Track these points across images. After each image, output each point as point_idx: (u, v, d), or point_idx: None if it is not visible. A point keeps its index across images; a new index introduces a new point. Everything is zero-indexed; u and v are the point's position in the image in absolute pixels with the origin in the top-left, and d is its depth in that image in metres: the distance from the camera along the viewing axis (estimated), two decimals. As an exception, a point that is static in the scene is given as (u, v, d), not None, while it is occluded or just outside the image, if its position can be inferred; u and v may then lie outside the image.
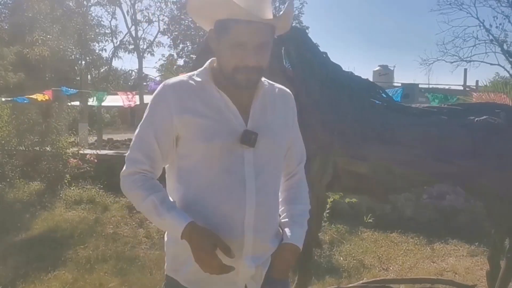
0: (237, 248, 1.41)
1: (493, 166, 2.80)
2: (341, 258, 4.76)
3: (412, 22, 58.38)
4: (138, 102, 12.46)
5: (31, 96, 10.08)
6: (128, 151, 1.50)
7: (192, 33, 23.05)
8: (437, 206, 6.04)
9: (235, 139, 1.43)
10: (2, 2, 18.67)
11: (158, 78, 24.78)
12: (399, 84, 16.66)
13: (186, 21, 22.28)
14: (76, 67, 20.31)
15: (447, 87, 20.02)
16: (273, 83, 1.60)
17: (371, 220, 5.85)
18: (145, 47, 22.93)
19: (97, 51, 22.46)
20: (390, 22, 60.34)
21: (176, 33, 23.29)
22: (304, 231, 1.59)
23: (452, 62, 27.17)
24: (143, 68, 22.78)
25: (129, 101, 11.56)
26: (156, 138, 1.46)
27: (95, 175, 7.68)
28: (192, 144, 1.44)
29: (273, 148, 1.51)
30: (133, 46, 22.14)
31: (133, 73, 30.71)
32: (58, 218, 6.04)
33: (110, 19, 23.02)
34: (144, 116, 1.50)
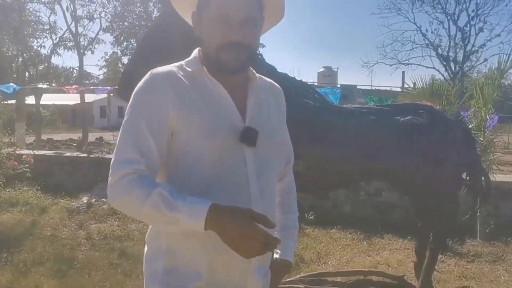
0: (245, 259, 1.19)
1: (417, 163, 2.99)
2: (281, 255, 4.86)
3: (354, 25, 60.45)
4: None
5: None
6: (114, 154, 1.25)
7: (137, 30, 22.66)
8: (374, 202, 6.32)
9: (235, 136, 1.29)
10: None
11: (101, 77, 24.13)
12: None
13: (130, 19, 21.87)
14: (13, 64, 19.43)
15: (388, 88, 20.86)
16: (261, 76, 1.47)
17: (312, 217, 5.98)
18: (86, 44, 22.30)
19: (35, 47, 21.64)
20: (334, 24, 62.21)
21: (119, 30, 22.79)
22: (295, 245, 1.58)
23: (391, 65, 28.42)
24: (84, 66, 22.16)
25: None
26: (151, 133, 1.24)
27: (32, 176, 7.48)
28: (190, 142, 1.27)
29: (272, 147, 1.39)
30: (73, 43, 21.47)
31: (75, 71, 29.75)
32: (-9, 221, 5.79)
33: (49, 15, 22.26)
34: (128, 112, 1.27)
